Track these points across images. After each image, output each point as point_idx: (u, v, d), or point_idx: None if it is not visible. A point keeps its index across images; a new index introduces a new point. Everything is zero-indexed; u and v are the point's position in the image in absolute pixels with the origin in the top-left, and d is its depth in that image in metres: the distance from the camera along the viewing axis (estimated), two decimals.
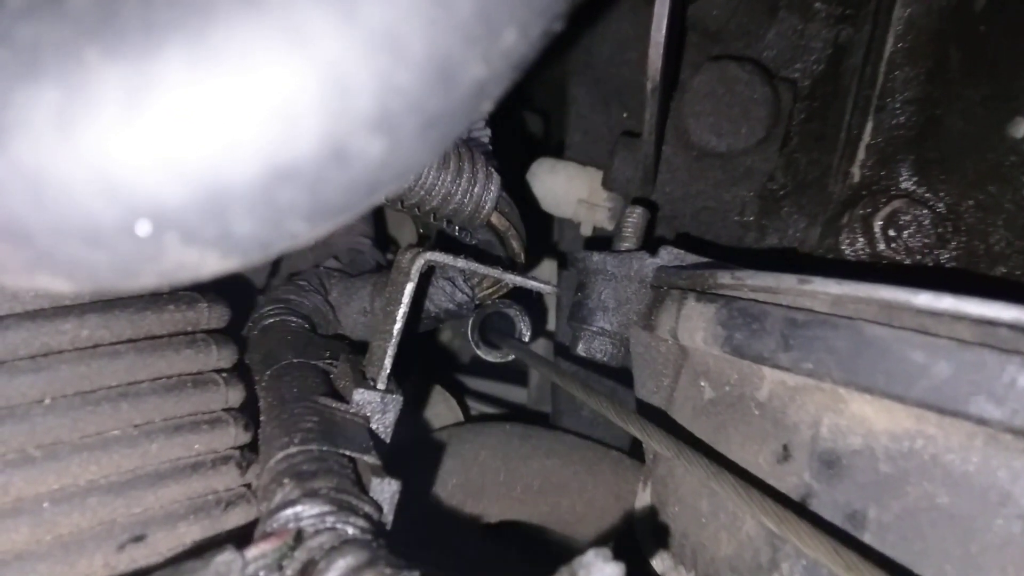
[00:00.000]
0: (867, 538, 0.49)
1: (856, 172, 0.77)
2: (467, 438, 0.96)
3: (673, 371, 0.73)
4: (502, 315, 0.94)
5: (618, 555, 0.43)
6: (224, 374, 0.64)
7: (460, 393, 1.28)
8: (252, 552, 0.50)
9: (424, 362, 1.38)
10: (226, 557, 0.48)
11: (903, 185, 0.74)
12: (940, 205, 0.72)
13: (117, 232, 0.26)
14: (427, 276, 0.86)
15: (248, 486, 0.63)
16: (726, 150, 0.94)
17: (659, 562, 0.67)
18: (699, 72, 0.93)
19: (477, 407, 1.36)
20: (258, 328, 0.80)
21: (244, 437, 0.64)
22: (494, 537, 0.96)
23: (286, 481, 0.55)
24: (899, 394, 0.47)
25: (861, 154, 0.77)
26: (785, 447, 0.56)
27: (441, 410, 1.14)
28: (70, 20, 0.24)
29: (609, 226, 1.06)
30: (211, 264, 0.28)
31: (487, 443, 0.95)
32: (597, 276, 0.83)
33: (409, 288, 0.68)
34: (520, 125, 1.49)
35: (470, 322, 0.93)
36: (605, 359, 0.83)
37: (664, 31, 0.79)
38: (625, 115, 1.10)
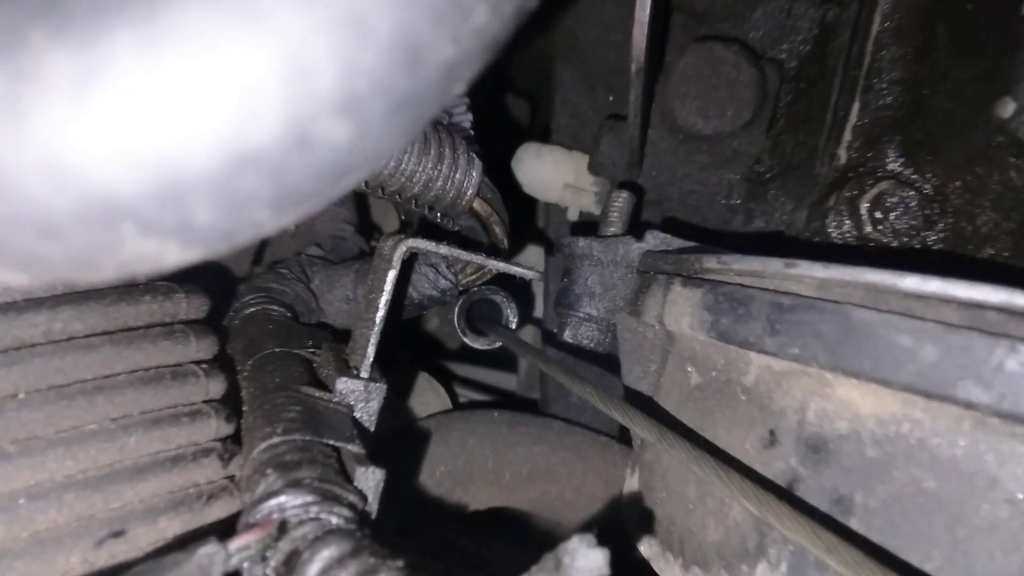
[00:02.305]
0: (853, 523, 0.49)
1: (843, 154, 0.76)
2: (455, 426, 0.95)
3: (660, 357, 0.73)
4: (489, 302, 0.93)
5: (603, 541, 0.43)
6: (204, 365, 0.63)
7: (448, 380, 1.28)
8: (235, 544, 0.49)
9: (413, 350, 1.38)
10: (209, 549, 0.47)
11: (890, 167, 0.73)
12: (927, 186, 0.71)
13: (71, 223, 0.25)
14: (409, 263, 0.85)
15: (231, 478, 0.62)
16: (712, 132, 0.93)
17: (646, 548, 0.67)
18: (685, 54, 0.92)
19: (467, 394, 1.36)
20: (239, 317, 0.78)
21: (226, 429, 0.63)
22: (482, 524, 0.95)
23: (269, 471, 0.54)
24: (886, 378, 0.46)
25: (848, 135, 0.76)
26: (772, 432, 0.55)
27: (429, 398, 1.13)
28: (14, 1, 0.23)
29: (596, 211, 1.05)
30: (173, 255, 0.27)
31: (475, 430, 0.94)
32: (583, 262, 0.82)
33: (391, 275, 0.67)
34: (506, 110, 1.48)
35: (456, 309, 0.92)
36: (592, 345, 0.82)
37: (648, 11, 0.77)
38: (611, 98, 1.09)
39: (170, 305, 0.60)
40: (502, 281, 0.91)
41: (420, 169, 0.74)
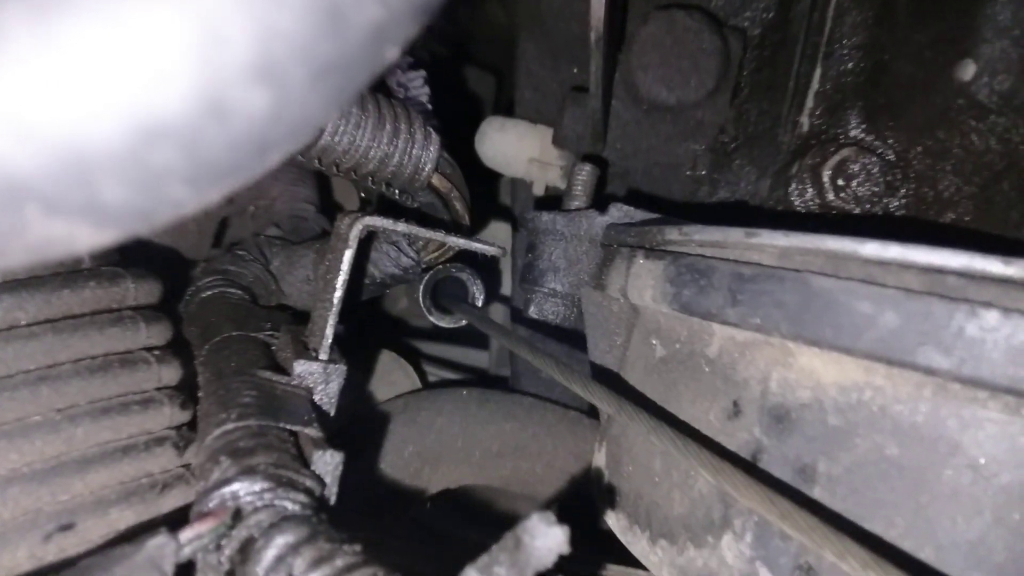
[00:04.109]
0: (817, 492, 0.49)
1: (805, 121, 0.75)
2: (423, 405, 0.94)
3: (625, 330, 0.72)
4: (454, 279, 0.92)
5: (563, 518, 0.43)
6: (156, 352, 0.61)
7: (418, 360, 1.26)
8: (187, 534, 0.48)
9: (382, 330, 1.36)
10: (159, 541, 0.46)
11: (852, 133, 0.72)
12: (889, 152, 0.70)
13: None
14: (368, 241, 0.83)
15: (188, 467, 0.61)
16: (676, 103, 0.91)
17: (614, 522, 0.66)
18: (646, 23, 0.91)
19: (438, 373, 1.35)
20: (195, 301, 0.76)
21: (181, 416, 0.61)
22: (451, 503, 0.95)
23: (223, 458, 0.53)
24: (847, 346, 0.46)
25: (810, 102, 0.75)
26: (735, 403, 0.55)
27: (397, 377, 1.12)
28: None
29: (562, 185, 1.04)
30: (84, 237, 0.25)
31: (444, 409, 0.93)
32: (547, 236, 0.81)
33: (348, 254, 0.66)
34: (471, 85, 1.46)
35: (421, 287, 0.91)
36: (557, 321, 0.82)
37: None
38: (575, 70, 1.07)
39: (116, 291, 0.58)
40: (468, 258, 0.90)
41: (375, 145, 0.72)
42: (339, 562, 0.46)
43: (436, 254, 0.85)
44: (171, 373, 0.62)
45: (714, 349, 0.57)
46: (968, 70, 0.67)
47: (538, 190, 1.08)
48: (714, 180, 0.93)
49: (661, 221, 0.73)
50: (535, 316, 0.82)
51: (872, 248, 0.46)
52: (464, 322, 0.91)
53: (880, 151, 0.70)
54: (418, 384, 1.16)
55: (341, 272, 0.66)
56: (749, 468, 0.51)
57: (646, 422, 0.50)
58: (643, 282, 0.62)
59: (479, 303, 0.91)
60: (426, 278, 0.89)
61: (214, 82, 0.23)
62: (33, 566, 0.50)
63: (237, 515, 0.50)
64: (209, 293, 0.77)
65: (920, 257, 0.44)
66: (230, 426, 0.55)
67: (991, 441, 0.44)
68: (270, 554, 0.47)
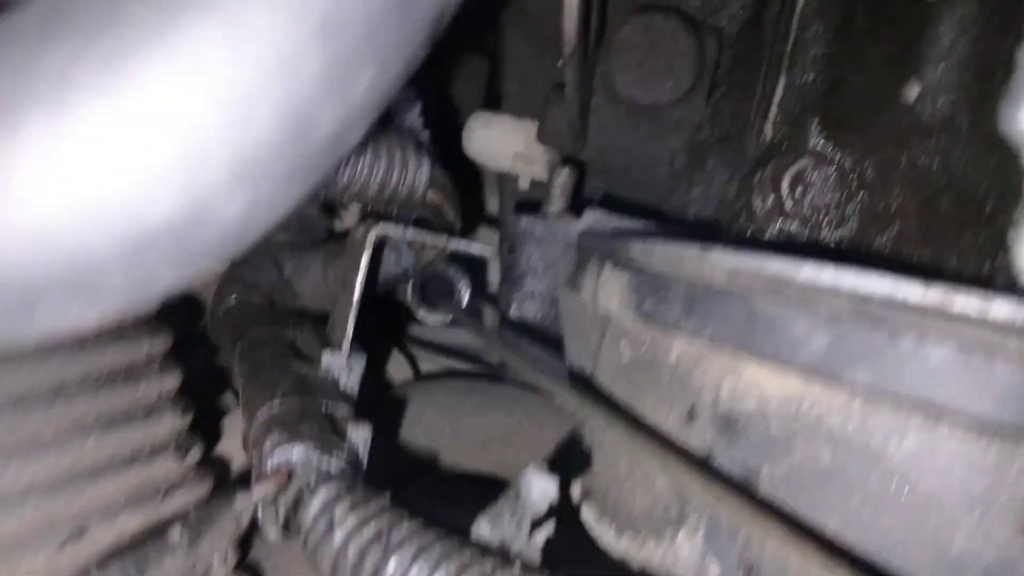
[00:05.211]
0: (761, 494, 0.53)
1: (769, 129, 0.79)
2: (412, 396, 0.99)
3: (599, 333, 0.76)
4: (441, 277, 0.96)
5: (553, 469, 0.55)
6: (158, 362, 0.65)
7: (409, 350, 1.30)
8: (258, 492, 0.59)
9: (385, 325, 1.40)
10: (242, 501, 0.59)
11: (811, 144, 0.75)
12: (845, 164, 0.74)
13: None
14: (380, 246, 0.90)
15: (189, 469, 0.65)
16: (652, 103, 0.95)
17: (586, 513, 0.71)
18: (624, 24, 0.93)
19: (431, 357, 1.38)
20: (221, 311, 0.86)
21: (181, 423, 0.66)
22: (436, 491, 0.99)
23: (274, 429, 0.62)
24: (786, 361, 0.50)
25: (773, 111, 0.78)
26: (691, 408, 0.59)
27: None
28: None
29: (546, 178, 1.07)
30: (89, 321, 0.30)
31: (432, 401, 0.98)
32: (526, 240, 0.85)
33: (365, 258, 0.74)
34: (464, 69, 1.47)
35: (409, 284, 0.95)
36: (537, 320, 0.86)
37: None
38: (561, 64, 1.10)
39: None
40: (458, 260, 0.95)
41: (372, 177, 0.80)
42: (371, 507, 0.56)
43: (431, 254, 0.92)
44: (172, 381, 0.66)
45: (673, 357, 0.61)
46: (913, 91, 0.70)
47: (523, 183, 1.11)
48: (691, 178, 0.97)
49: (628, 233, 0.77)
50: (515, 316, 0.87)
51: (807, 273, 0.50)
52: (451, 318, 0.95)
53: (837, 162, 0.74)
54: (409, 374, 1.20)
55: (360, 273, 0.74)
56: (703, 469, 0.56)
57: (604, 416, 0.55)
58: (611, 289, 0.66)
59: (465, 300, 0.96)
60: (414, 276, 0.93)
61: (198, 192, 0.27)
62: (48, 573, 0.55)
63: (289, 475, 0.60)
64: (234, 301, 0.87)
65: (848, 283, 0.48)
66: (276, 402, 0.65)
67: (911, 450, 0.48)
68: (317, 502, 0.57)
